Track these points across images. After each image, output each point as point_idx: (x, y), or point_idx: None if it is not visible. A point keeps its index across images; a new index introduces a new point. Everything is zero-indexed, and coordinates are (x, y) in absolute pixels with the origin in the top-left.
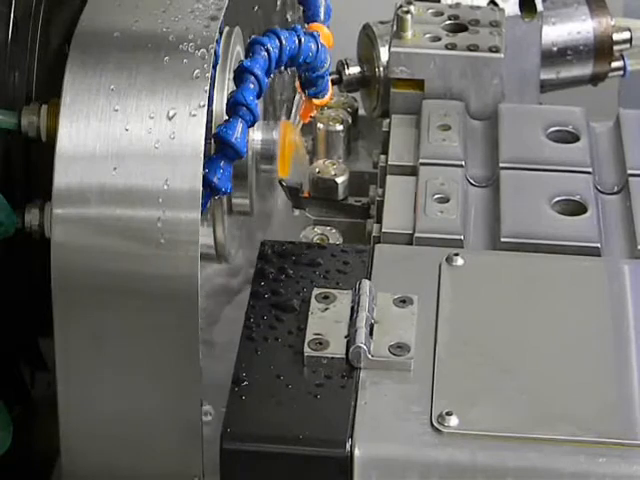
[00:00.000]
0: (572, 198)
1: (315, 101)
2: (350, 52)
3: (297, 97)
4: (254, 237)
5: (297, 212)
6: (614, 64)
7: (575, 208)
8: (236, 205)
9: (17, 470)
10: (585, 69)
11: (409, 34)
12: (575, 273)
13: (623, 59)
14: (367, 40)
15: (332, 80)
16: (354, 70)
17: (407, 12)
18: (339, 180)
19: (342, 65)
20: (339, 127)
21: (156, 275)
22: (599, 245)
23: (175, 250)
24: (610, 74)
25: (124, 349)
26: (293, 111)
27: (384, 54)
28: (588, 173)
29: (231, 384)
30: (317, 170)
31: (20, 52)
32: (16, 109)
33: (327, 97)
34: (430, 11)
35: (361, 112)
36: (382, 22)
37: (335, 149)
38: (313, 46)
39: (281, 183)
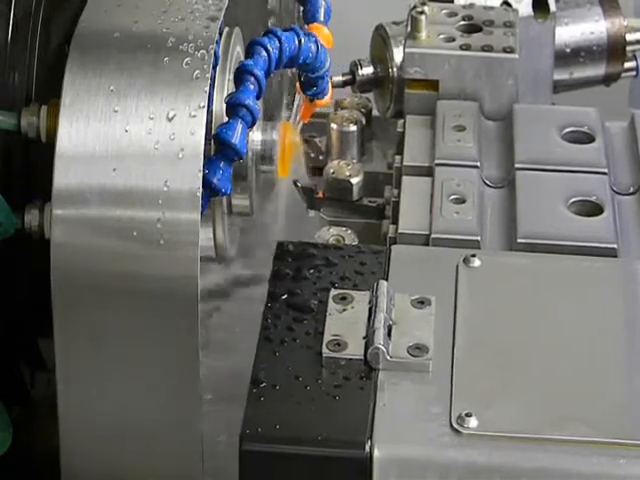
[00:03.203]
0: (588, 199)
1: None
2: (363, 53)
3: (297, 98)
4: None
5: (312, 213)
6: (627, 64)
7: (591, 209)
8: (236, 206)
9: (17, 470)
10: (598, 70)
11: (423, 35)
12: (591, 274)
13: (636, 59)
14: (380, 41)
15: (345, 81)
16: (367, 71)
17: (421, 13)
18: (354, 181)
19: (355, 66)
20: (353, 128)
21: (156, 276)
22: (616, 246)
23: (175, 251)
24: (623, 74)
25: (124, 349)
26: (293, 112)
27: (397, 55)
28: (604, 174)
29: (250, 385)
30: (332, 171)
31: (20, 52)
32: (16, 109)
33: (327, 98)
34: (444, 12)
35: (375, 113)
36: (395, 23)
37: (349, 150)
38: (313, 47)
39: (295, 184)
